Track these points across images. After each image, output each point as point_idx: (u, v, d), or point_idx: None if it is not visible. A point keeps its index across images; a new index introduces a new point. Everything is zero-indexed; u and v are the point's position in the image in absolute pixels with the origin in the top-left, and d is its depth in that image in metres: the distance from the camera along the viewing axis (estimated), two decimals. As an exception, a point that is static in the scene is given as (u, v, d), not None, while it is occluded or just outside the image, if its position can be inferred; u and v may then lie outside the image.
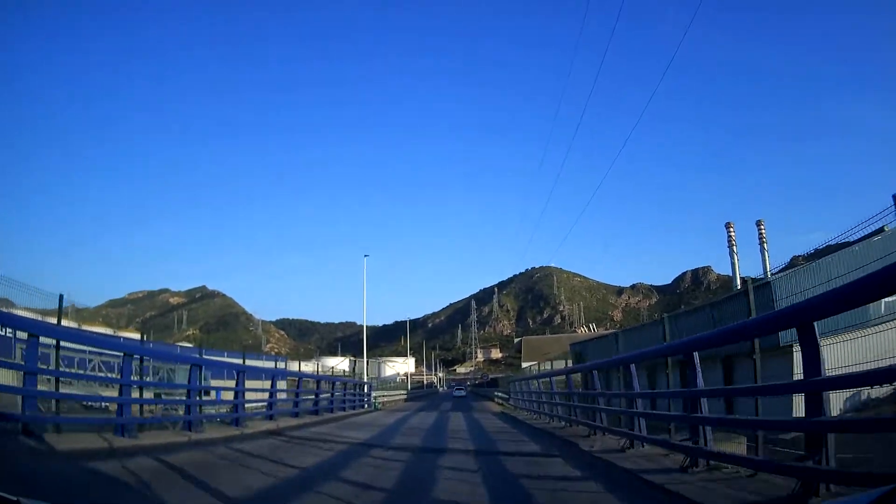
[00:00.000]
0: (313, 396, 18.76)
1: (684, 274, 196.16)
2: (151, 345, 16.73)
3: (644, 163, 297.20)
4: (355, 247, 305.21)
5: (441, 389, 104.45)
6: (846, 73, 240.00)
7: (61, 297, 10.16)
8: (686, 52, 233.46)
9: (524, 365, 57.27)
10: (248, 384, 13.71)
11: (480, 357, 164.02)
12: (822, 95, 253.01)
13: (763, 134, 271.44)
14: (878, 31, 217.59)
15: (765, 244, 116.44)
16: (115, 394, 10.12)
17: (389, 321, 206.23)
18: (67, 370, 13.40)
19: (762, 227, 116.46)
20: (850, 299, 4.19)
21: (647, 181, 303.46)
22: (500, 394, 39.69)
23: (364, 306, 39.53)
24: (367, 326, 62.42)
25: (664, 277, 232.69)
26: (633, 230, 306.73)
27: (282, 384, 19.85)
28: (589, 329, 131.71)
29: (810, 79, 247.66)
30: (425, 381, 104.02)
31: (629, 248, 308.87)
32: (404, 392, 49.60)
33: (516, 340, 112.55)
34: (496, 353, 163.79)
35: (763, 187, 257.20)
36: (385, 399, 36.76)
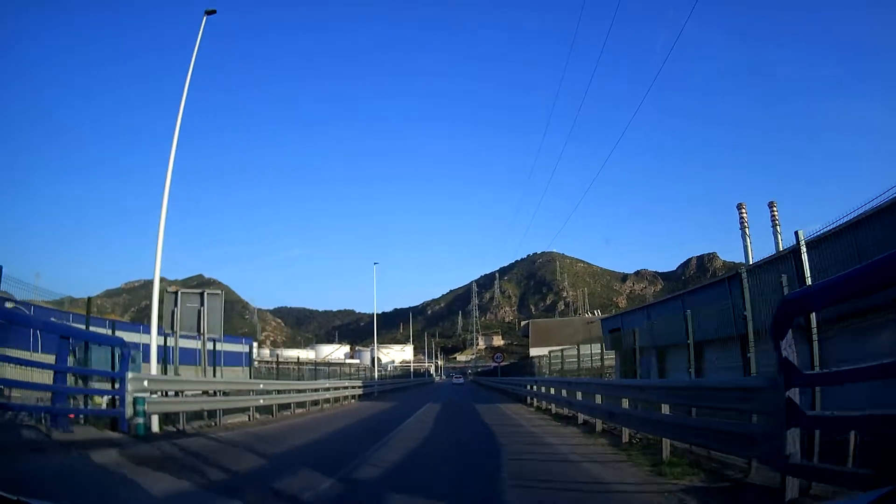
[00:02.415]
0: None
1: (689, 260, 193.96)
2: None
3: (648, 150, 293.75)
4: (355, 235, 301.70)
5: (438, 379, 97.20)
6: (848, 70, 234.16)
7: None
8: (690, 44, 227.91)
9: (532, 352, 53.37)
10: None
11: (482, 344, 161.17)
12: (824, 91, 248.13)
13: (768, 125, 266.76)
14: (881, 28, 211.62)
15: (777, 226, 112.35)
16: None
17: (389, 308, 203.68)
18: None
19: (774, 208, 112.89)
20: None
21: (652, 169, 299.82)
22: (539, 390, 19.41)
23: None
24: (365, 314, 57.96)
25: (669, 264, 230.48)
26: (637, 217, 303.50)
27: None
28: (595, 315, 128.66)
29: (813, 74, 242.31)
30: (413, 369, 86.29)
31: (633, 235, 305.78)
32: (360, 385, 28.85)
33: (523, 324, 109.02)
34: (498, 340, 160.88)
35: (768, 177, 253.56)
36: (277, 401, 16.31)
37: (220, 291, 13.94)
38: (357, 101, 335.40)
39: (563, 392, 14.52)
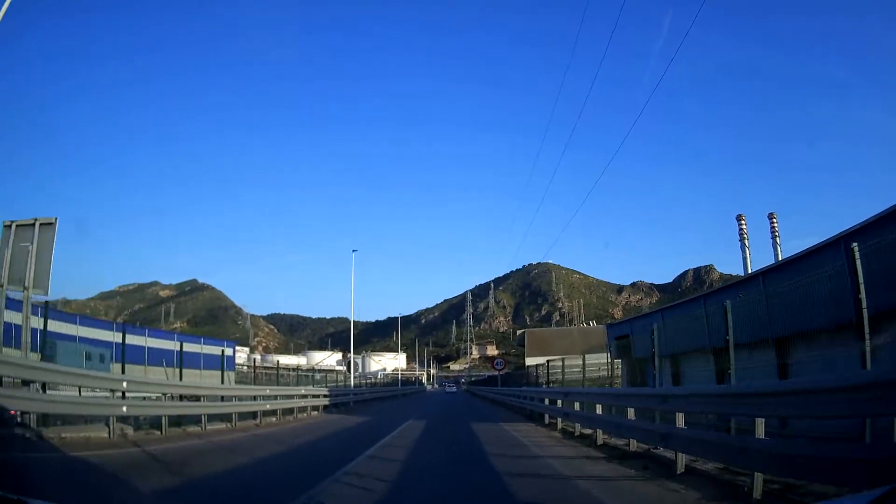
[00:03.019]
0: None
1: (686, 272, 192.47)
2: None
3: (645, 161, 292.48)
4: (349, 242, 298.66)
5: (430, 387, 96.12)
6: (850, 75, 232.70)
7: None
8: (689, 51, 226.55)
9: (528, 361, 49.55)
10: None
11: (476, 353, 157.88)
12: (825, 98, 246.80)
13: (766, 136, 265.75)
14: (884, 32, 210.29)
15: (777, 238, 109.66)
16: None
17: (382, 317, 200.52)
18: None
19: (774, 220, 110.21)
20: None
21: (649, 179, 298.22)
22: (573, 408, 13.12)
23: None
24: (359, 322, 54.33)
25: (665, 276, 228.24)
26: (634, 226, 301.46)
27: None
28: (591, 325, 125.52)
29: (813, 80, 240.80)
30: (404, 377, 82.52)
31: (630, 245, 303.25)
32: (326, 393, 24.17)
33: (518, 333, 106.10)
34: (492, 350, 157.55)
35: (765, 187, 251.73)
36: (168, 412, 11.69)
37: (53, 220, 9.56)
38: (356, 102, 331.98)
39: (630, 413, 9.08)
